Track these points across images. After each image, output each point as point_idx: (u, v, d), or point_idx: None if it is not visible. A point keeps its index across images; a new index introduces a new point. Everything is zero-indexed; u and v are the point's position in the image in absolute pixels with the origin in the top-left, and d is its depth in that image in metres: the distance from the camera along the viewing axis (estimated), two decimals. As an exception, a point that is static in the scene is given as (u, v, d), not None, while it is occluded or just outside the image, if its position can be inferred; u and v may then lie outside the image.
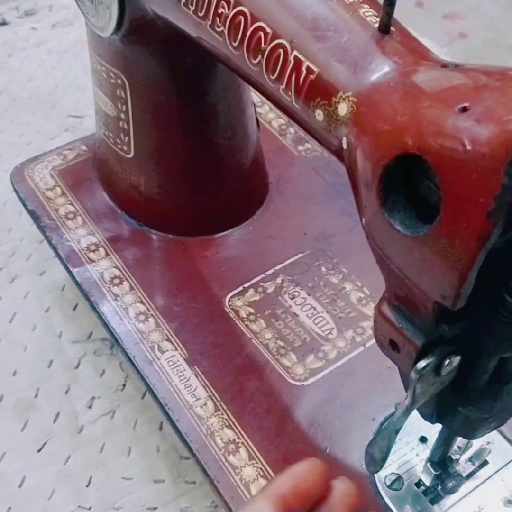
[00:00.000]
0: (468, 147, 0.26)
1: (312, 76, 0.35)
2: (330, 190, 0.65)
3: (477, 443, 0.47)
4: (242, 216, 0.64)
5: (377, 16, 0.35)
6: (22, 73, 0.95)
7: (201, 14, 0.40)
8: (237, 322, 0.56)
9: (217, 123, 0.57)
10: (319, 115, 0.35)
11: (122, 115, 0.57)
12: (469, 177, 0.26)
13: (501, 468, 0.48)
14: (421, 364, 0.33)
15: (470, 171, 0.26)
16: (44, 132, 0.86)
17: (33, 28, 1.02)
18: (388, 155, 0.30)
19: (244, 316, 0.56)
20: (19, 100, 0.91)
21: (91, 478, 0.57)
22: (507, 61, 1.08)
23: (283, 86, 0.37)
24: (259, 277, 0.59)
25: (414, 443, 0.49)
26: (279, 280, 0.59)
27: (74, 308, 0.68)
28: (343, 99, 0.34)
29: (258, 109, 0.70)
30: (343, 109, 0.34)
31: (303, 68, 0.35)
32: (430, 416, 0.39)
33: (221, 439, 0.49)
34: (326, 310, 0.57)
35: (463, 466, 0.47)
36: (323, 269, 0.60)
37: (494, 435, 0.48)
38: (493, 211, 0.26)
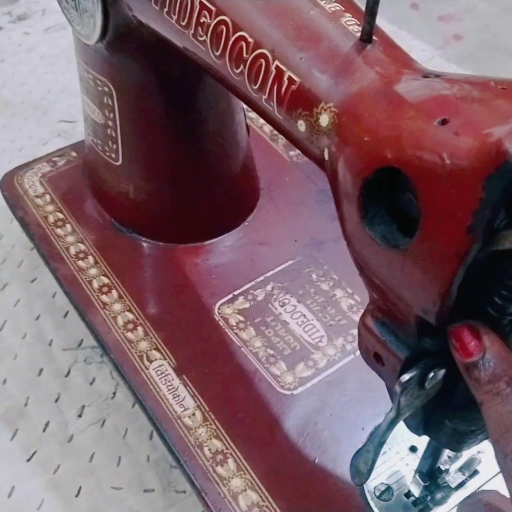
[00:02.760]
0: (447, 161, 0.26)
1: (293, 87, 0.35)
2: (321, 196, 0.65)
3: (467, 453, 0.46)
4: (233, 223, 0.63)
5: (359, 25, 0.34)
6: (15, 78, 0.94)
7: (183, 23, 0.40)
8: (226, 330, 0.56)
9: (205, 130, 0.57)
10: (301, 125, 0.35)
11: (110, 123, 0.56)
12: (447, 191, 0.26)
13: (492, 477, 0.47)
14: (405, 377, 0.33)
15: (449, 185, 0.26)
16: (36, 138, 0.86)
17: (26, 33, 1.02)
18: (367, 168, 0.29)
19: (234, 324, 0.56)
20: (11, 105, 0.90)
21: (80, 487, 0.57)
22: (503, 63, 1.08)
23: (266, 96, 0.36)
24: (249, 285, 0.59)
25: (404, 453, 0.48)
26: (269, 287, 0.59)
27: (65, 316, 0.68)
28: (325, 110, 0.33)
29: (249, 114, 0.69)
30: (324, 120, 0.33)
31: (285, 78, 0.35)
32: (416, 429, 0.38)
33: (209, 450, 0.48)
34: (317, 318, 0.56)
35: (453, 476, 0.46)
36: (314, 276, 0.59)
37: (485, 444, 0.48)
38: (471, 226, 0.25)
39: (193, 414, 0.50)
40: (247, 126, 0.63)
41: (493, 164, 0.24)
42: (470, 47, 1.08)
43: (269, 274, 0.60)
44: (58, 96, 0.92)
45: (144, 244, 0.62)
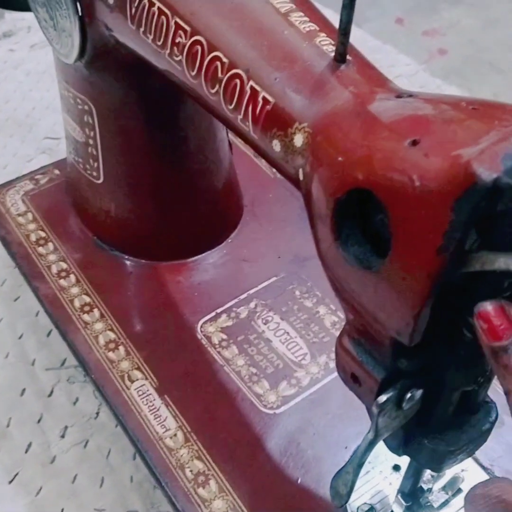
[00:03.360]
0: (416, 183, 0.26)
1: (268, 107, 0.35)
2: (305, 212, 0.64)
3: (450, 472, 0.46)
4: (216, 240, 0.63)
5: (333, 45, 0.34)
6: (0, 95, 0.94)
7: (159, 43, 0.40)
8: (209, 349, 0.55)
9: (187, 148, 0.57)
10: (276, 145, 0.35)
11: (90, 141, 0.56)
12: (417, 213, 0.26)
13: (476, 496, 0.47)
14: (382, 398, 0.33)
15: (419, 207, 0.26)
16: (20, 155, 0.86)
17: (11, 50, 1.02)
18: (340, 189, 0.29)
19: (217, 342, 0.56)
20: (-5, 122, 0.90)
21: (63, 510, 0.56)
22: (487, 77, 1.08)
23: (241, 116, 0.36)
24: (232, 302, 0.59)
25: (387, 472, 0.48)
26: (252, 304, 0.58)
27: (48, 335, 0.67)
28: (299, 130, 0.33)
29: (233, 131, 0.69)
30: (299, 140, 0.33)
31: (260, 99, 0.35)
32: (396, 449, 0.38)
33: (190, 471, 0.48)
34: (300, 335, 0.56)
35: (436, 495, 0.46)
36: (297, 292, 0.59)
37: (468, 462, 0.48)
38: (442, 247, 0.25)
39: (175, 435, 0.50)
40: (230, 143, 0.63)
41: (462, 186, 0.24)
42: (454, 61, 1.08)
43: (252, 291, 0.59)
44: (43, 113, 0.92)
45: (127, 262, 0.61)
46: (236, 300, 0.59)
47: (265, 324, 0.57)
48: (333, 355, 0.54)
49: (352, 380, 0.35)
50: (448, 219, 0.25)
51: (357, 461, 0.36)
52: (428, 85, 0.97)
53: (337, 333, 0.55)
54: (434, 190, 0.25)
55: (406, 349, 0.30)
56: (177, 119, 0.55)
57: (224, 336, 0.56)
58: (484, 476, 0.48)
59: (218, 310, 0.58)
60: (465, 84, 1.00)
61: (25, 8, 0.58)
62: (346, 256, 0.30)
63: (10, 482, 0.58)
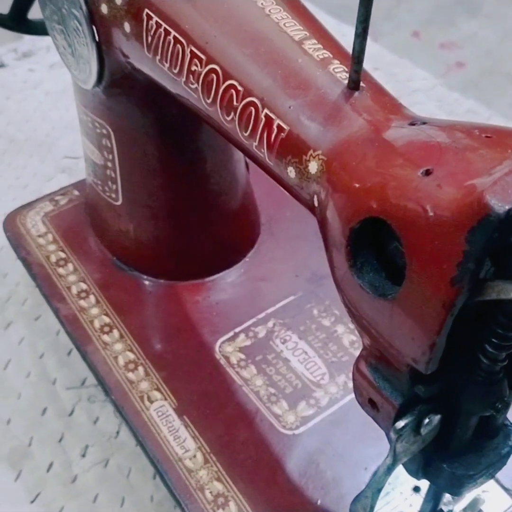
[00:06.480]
0: (430, 213, 0.26)
1: (283, 134, 0.35)
2: (322, 230, 0.65)
3: (471, 493, 0.46)
4: (233, 259, 0.63)
5: (347, 72, 0.35)
6: (20, 115, 0.96)
7: (175, 71, 0.40)
8: (227, 369, 0.55)
9: (204, 169, 0.57)
10: (291, 172, 0.35)
11: (109, 164, 0.57)
12: (431, 243, 0.26)
13: (497, 518, 0.47)
14: (400, 424, 0.33)
15: (432, 237, 0.26)
16: (40, 175, 0.87)
17: (31, 70, 1.03)
18: (354, 218, 0.29)
19: (235, 362, 0.56)
20: (16, 142, 0.91)
21: (84, 529, 0.56)
22: (505, 89, 1.08)
23: (256, 143, 0.37)
24: (250, 322, 0.59)
25: (408, 493, 0.48)
26: (270, 324, 0.59)
27: (69, 353, 0.68)
28: (313, 157, 0.34)
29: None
30: (313, 167, 0.34)
31: (274, 126, 0.35)
32: (415, 473, 0.38)
33: (210, 492, 0.48)
34: (318, 355, 0.56)
35: (457, 517, 0.46)
36: (315, 311, 0.59)
37: (489, 483, 0.47)
38: (456, 278, 0.25)
39: (194, 456, 0.50)
40: (246, 162, 0.63)
41: (475, 218, 0.24)
42: (472, 74, 1.08)
43: (270, 310, 0.59)
44: (62, 133, 0.93)
45: (146, 282, 0.62)
46: (254, 319, 0.59)
47: (283, 343, 0.57)
48: (352, 375, 0.55)
49: (369, 405, 0.35)
50: (462, 250, 0.25)
51: (376, 486, 0.36)
52: (446, 99, 0.96)
53: (356, 352, 0.56)
54: (448, 221, 0.25)
55: (423, 375, 0.31)
56: (194, 141, 0.55)
57: (243, 356, 0.56)
58: (506, 497, 0.47)
59: (236, 330, 0.58)
60: (483, 97, 0.99)
61: (44, 33, 0.60)
62: (361, 283, 0.30)
63: (32, 501, 0.58)
